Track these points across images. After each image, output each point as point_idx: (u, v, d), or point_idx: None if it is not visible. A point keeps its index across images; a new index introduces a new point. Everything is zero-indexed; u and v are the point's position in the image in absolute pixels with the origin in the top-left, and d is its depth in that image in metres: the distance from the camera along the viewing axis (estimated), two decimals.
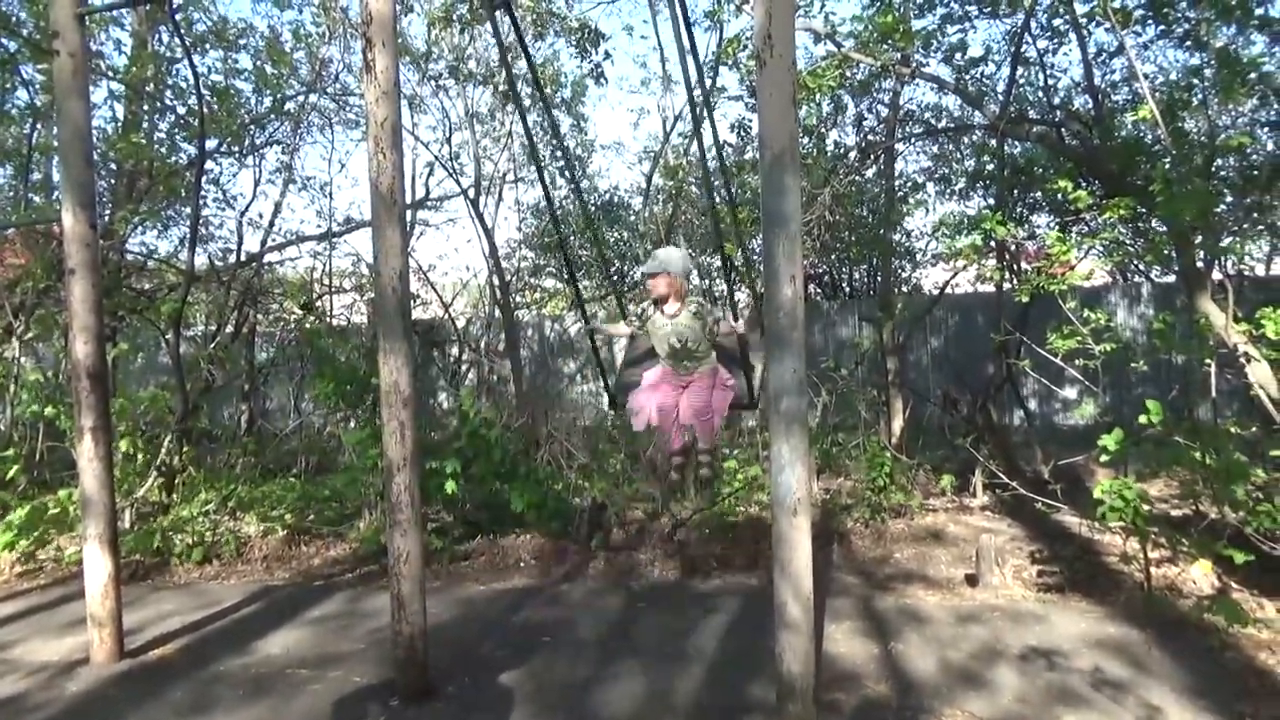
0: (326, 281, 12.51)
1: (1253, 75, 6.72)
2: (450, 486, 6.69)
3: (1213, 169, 6.90)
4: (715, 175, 6.03)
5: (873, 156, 10.52)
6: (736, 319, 4.59)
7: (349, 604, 5.86)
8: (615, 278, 11.29)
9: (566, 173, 13.02)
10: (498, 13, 4.10)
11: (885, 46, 8.06)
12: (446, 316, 12.73)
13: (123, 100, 10.26)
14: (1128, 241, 8.86)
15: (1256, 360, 5.68)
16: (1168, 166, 6.52)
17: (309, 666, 4.70)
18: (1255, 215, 7.20)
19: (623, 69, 32.64)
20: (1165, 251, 7.25)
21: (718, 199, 7.29)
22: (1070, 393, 10.69)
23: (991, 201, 10.42)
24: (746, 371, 4.75)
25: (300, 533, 7.48)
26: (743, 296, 11.11)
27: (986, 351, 9.94)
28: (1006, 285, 9.42)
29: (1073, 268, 7.75)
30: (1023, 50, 8.82)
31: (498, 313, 12.51)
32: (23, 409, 8.10)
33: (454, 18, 10.36)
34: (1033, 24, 8.62)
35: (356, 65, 10.96)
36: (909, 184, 13.05)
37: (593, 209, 14.33)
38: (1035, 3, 7.99)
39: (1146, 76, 7.06)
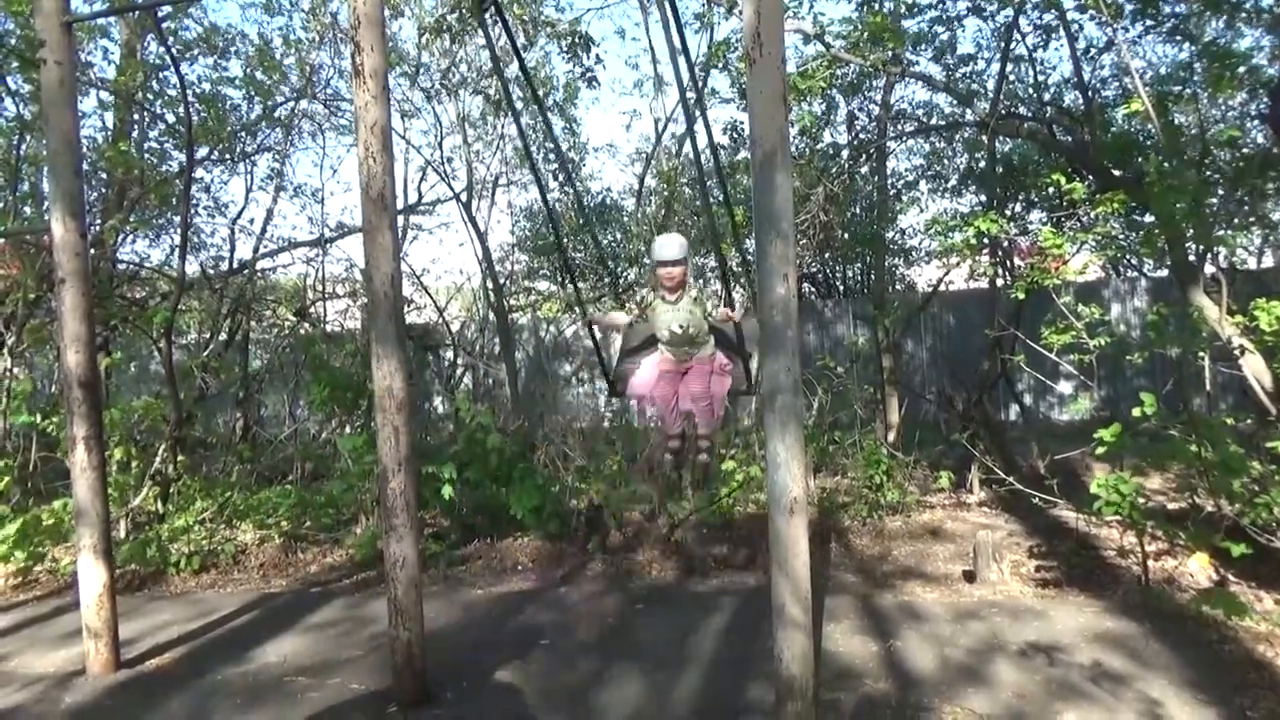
0: (319, 287, 12.49)
1: (1242, 69, 6.74)
2: (446, 491, 6.67)
3: (1205, 161, 6.92)
4: (710, 175, 6.04)
5: (865, 155, 10.53)
6: (733, 307, 4.63)
7: (346, 610, 5.84)
8: (610, 279, 11.28)
9: (560, 175, 13.03)
10: (488, 16, 4.12)
11: (875, 46, 8.07)
12: (440, 320, 12.71)
13: (112, 109, 10.23)
14: (1120, 236, 8.89)
15: (1251, 352, 5.69)
16: (1160, 160, 6.54)
17: (307, 674, 4.67)
18: (1246, 207, 7.23)
19: (615, 71, 32.68)
20: (1158, 245, 7.28)
21: (712, 199, 7.27)
22: (1065, 387, 10.72)
23: (984, 198, 10.44)
24: (744, 358, 4.84)
25: (297, 540, 7.46)
26: (739, 295, 11.13)
27: (981, 348, 9.95)
28: (1000, 281, 9.45)
29: (1066, 263, 7.77)
30: (1012, 47, 8.84)
31: (492, 316, 12.50)
32: (15, 418, 8.06)
33: (443, 28, 10.36)
34: (1022, 20, 8.64)
35: (347, 70, 10.95)
36: (901, 182, 13.08)
37: (586, 210, 14.34)
38: (1024, 1, 8.02)
39: (1137, 71, 7.08)
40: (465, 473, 7.00)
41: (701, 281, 13.31)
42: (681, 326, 4.68)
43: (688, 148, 12.25)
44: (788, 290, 3.51)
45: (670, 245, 4.73)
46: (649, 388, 4.92)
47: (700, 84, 11.06)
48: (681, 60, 3.59)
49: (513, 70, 11.50)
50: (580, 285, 13.77)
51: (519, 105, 12.10)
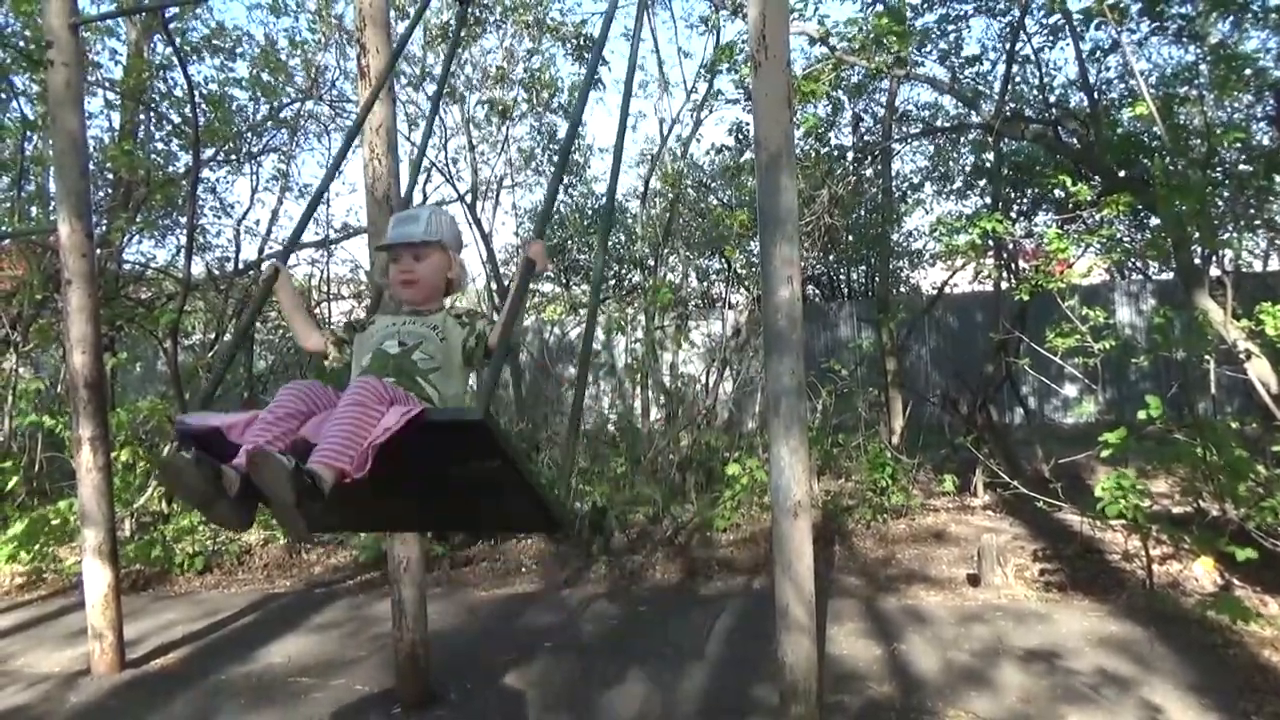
0: (324, 288, 12.51)
1: (1248, 71, 6.72)
2: None
3: (1211, 162, 6.90)
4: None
5: (870, 157, 10.52)
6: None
7: (351, 611, 5.85)
8: (613, 281, 11.29)
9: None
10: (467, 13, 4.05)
11: (879, 49, 8.06)
12: None
13: (119, 110, 10.26)
14: (1125, 239, 8.87)
15: (1256, 356, 5.67)
16: (1166, 161, 6.52)
17: (311, 675, 4.68)
18: (1252, 210, 7.21)
19: (620, 72, 32.69)
20: (1164, 247, 7.27)
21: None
22: (1070, 390, 10.69)
23: (989, 200, 10.43)
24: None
25: (301, 540, 7.46)
26: (740, 298, 11.12)
27: (985, 350, 9.94)
28: (1005, 284, 9.43)
29: (1071, 265, 7.75)
30: (1018, 48, 8.83)
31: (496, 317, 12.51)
32: (21, 419, 8.08)
33: (449, 34, 10.37)
34: (1028, 21, 8.64)
35: (352, 71, 10.96)
36: (906, 184, 13.07)
37: (590, 212, 14.36)
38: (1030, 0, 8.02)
39: (1142, 73, 7.07)
40: None
41: (705, 284, 13.26)
42: (406, 343, 2.37)
43: (693, 149, 12.29)
44: (792, 293, 3.51)
45: (408, 220, 2.51)
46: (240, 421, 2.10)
47: (704, 86, 11.05)
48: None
49: (518, 73, 11.54)
50: (582, 287, 13.81)
51: (524, 108, 12.14)
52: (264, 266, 2.83)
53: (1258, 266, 12.34)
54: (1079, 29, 8.09)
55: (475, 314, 2.51)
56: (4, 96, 9.36)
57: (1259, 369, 5.69)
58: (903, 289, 15.26)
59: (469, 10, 3.88)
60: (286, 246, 3.11)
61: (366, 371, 2.33)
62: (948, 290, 11.82)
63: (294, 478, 1.85)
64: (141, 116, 10.28)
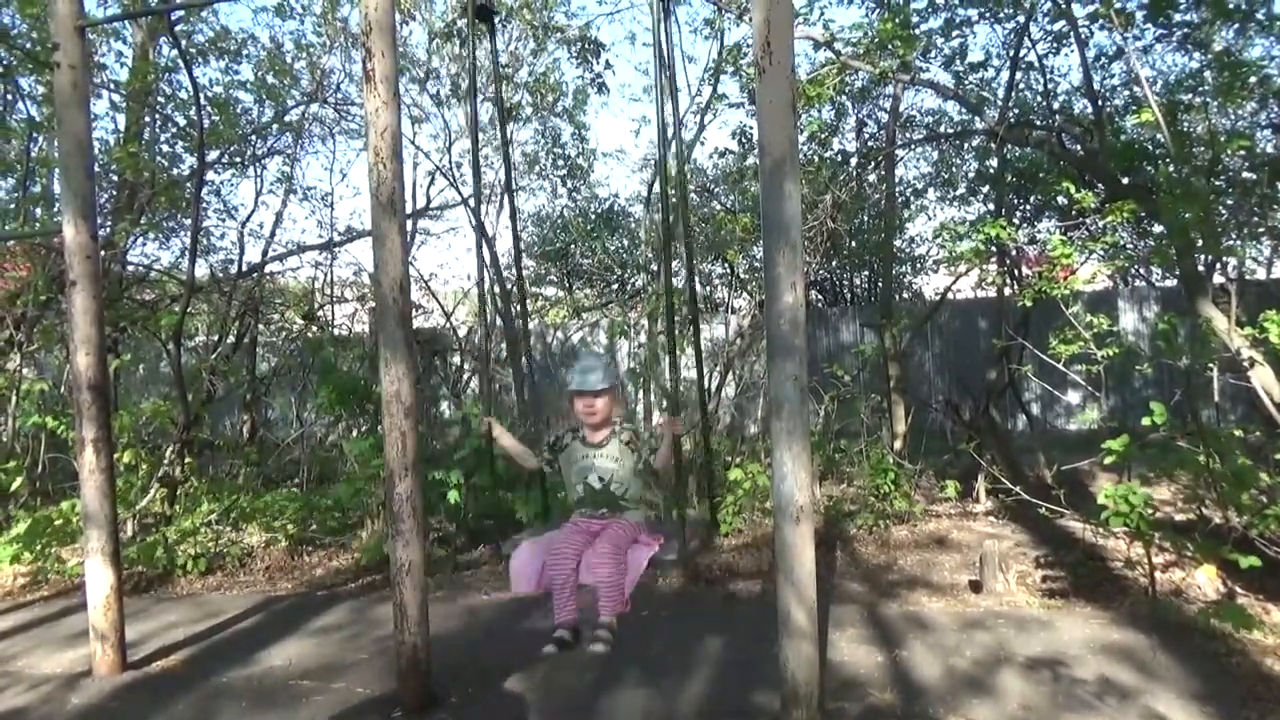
0: (328, 291, 12.52)
1: (1252, 78, 6.72)
2: (453, 496, 6.68)
3: (1216, 169, 6.90)
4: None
5: (873, 162, 10.53)
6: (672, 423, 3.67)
7: (352, 614, 5.85)
8: (616, 285, 11.29)
9: (566, 181, 13.05)
10: (483, 27, 4.12)
11: (884, 54, 8.06)
12: (448, 325, 12.73)
13: (124, 112, 10.30)
14: (1129, 246, 8.86)
15: (1260, 364, 5.66)
16: (1170, 169, 6.52)
17: (312, 678, 4.68)
18: (1256, 217, 7.21)
19: (625, 76, 32.75)
20: (1168, 254, 7.26)
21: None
22: (1073, 397, 10.68)
23: (992, 206, 10.43)
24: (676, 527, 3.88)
25: (303, 543, 7.47)
26: (742, 303, 11.13)
27: (988, 356, 9.93)
28: (1008, 290, 9.43)
29: (1074, 272, 7.75)
30: (1022, 55, 8.83)
31: (499, 321, 12.51)
32: (25, 420, 8.10)
33: (454, 33, 10.39)
34: (1032, 28, 8.64)
35: (357, 74, 10.99)
36: (910, 190, 13.07)
37: (593, 216, 14.39)
38: (1035, 6, 8.02)
39: (1146, 80, 7.06)
40: (472, 478, 7.00)
41: (707, 289, 13.27)
42: (603, 479, 3.73)
43: (696, 153, 12.29)
44: (796, 298, 3.51)
45: (590, 370, 3.77)
46: (536, 572, 3.74)
47: (707, 90, 11.06)
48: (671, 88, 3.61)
49: (521, 76, 11.55)
50: (586, 291, 13.82)
51: (527, 111, 12.16)
52: (480, 424, 4.44)
53: (1261, 274, 12.32)
54: (1084, 35, 8.09)
55: (636, 438, 3.81)
56: (10, 98, 9.39)
57: (1262, 377, 5.69)
58: (906, 294, 15.27)
59: (482, 22, 3.95)
60: (484, 411, 4.22)
61: (583, 499, 3.85)
62: (951, 296, 11.81)
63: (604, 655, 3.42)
64: (147, 119, 10.31)
